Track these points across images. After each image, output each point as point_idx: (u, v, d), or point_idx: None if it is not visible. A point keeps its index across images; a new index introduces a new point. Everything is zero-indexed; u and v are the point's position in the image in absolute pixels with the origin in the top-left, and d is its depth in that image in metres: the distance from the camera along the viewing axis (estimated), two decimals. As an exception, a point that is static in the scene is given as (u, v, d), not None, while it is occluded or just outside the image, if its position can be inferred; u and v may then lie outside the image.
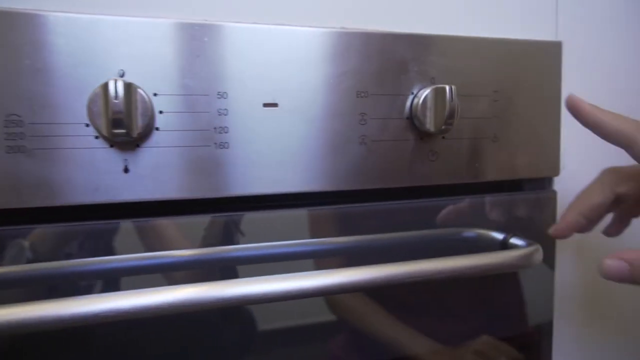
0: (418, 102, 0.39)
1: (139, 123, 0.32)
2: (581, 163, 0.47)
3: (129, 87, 0.31)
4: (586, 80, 0.48)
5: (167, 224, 0.36)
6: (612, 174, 0.39)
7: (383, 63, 0.39)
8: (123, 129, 0.31)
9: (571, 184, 0.45)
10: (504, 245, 0.44)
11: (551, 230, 0.40)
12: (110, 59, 0.33)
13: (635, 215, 0.43)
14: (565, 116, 0.45)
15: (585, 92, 0.42)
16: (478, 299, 0.49)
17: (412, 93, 0.40)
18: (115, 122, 0.31)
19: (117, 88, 0.30)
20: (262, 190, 0.37)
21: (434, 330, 0.46)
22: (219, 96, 0.35)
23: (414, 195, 0.42)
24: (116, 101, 0.30)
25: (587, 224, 0.40)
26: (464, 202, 0.44)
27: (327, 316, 0.43)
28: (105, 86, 0.31)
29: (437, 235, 0.45)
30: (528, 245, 0.41)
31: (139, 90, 0.32)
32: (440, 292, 0.47)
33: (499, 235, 0.45)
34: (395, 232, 0.43)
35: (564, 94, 0.45)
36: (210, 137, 0.35)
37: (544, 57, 0.44)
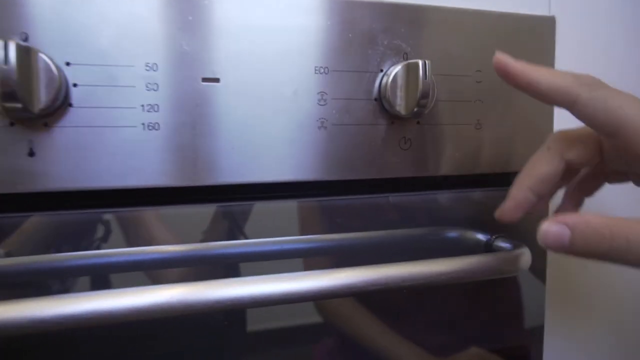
0: (387, 80, 0.34)
1: (41, 97, 0.27)
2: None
3: (26, 52, 0.26)
4: (581, 59, 0.42)
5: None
6: (559, 138, 0.33)
7: (347, 34, 0.34)
8: (17, 102, 0.26)
9: (565, 179, 0.40)
10: (488, 248, 0.39)
11: (497, 214, 0.34)
12: (10, 20, 0.27)
13: (587, 193, 0.36)
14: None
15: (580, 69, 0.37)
16: (463, 307, 0.43)
17: (382, 70, 0.35)
18: (6, 94, 0.25)
19: (7, 52, 0.25)
20: (199, 181, 0.31)
21: (420, 340, 0.41)
22: (147, 68, 0.30)
23: (383, 188, 0.37)
24: (5, 67, 0.25)
25: (537, 201, 0.33)
26: (444, 198, 0.39)
27: (313, 318, 0.37)
28: (-7, 49, 0.25)
29: (415, 236, 0.39)
30: (514, 247, 0.36)
31: (41, 56, 0.27)
32: (423, 299, 0.41)
33: (483, 237, 0.40)
34: (361, 231, 0.37)
35: (558, 75, 0.39)
36: (136, 116, 0.30)
37: (536, 34, 0.39)
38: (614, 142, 0.30)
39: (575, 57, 0.41)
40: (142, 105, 0.30)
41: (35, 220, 0.30)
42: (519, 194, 0.33)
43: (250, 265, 0.35)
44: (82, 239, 0.31)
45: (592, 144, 0.32)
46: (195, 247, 0.34)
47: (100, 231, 0.31)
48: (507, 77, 0.30)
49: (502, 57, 0.30)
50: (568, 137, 0.33)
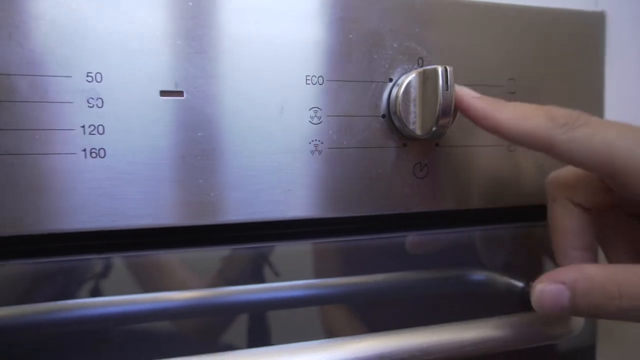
0: (398, 91, 0.27)
1: (-61, 117, 0.20)
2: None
3: None
4: (635, 60, 0.34)
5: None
6: (559, 184, 0.27)
7: (346, 35, 0.27)
8: None
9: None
10: (524, 296, 0.31)
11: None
12: None
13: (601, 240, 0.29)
14: (612, 112, 0.32)
15: (637, 78, 0.29)
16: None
17: (391, 79, 0.28)
18: None
19: None
20: (162, 220, 0.25)
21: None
22: (89, 78, 0.23)
23: (394, 226, 0.30)
24: None
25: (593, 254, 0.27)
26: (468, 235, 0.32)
27: None
28: None
29: (435, 280, 0.32)
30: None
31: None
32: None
33: (517, 283, 0.32)
34: (369, 274, 0.30)
35: (609, 81, 0.32)
36: (75, 140, 0.23)
37: (582, 32, 0.32)
38: (613, 182, 0.23)
39: (628, 59, 0.34)
40: (83, 127, 0.23)
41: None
42: (566, 261, 0.26)
43: (244, 317, 0.28)
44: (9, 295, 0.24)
45: (597, 181, 0.25)
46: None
47: (36, 284, 0.25)
48: (467, 116, 0.25)
49: (462, 94, 0.25)
50: (566, 180, 0.27)
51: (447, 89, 0.25)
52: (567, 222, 0.26)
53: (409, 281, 0.31)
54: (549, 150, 0.23)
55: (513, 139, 0.24)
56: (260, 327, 0.28)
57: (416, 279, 0.32)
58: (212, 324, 0.28)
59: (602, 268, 0.22)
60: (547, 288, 0.22)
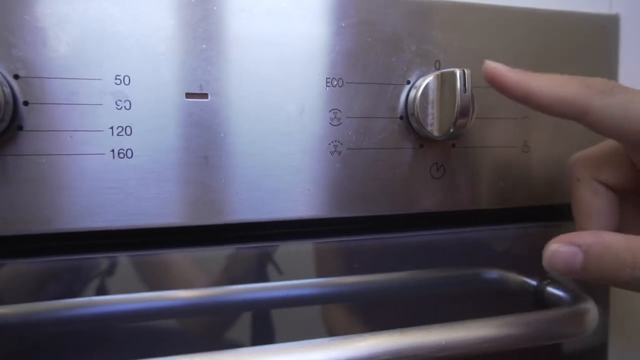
0: (416, 94, 0.27)
1: (-24, 118, 0.21)
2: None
3: (-47, 62, 0.20)
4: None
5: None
6: (584, 164, 0.27)
7: (365, 38, 0.27)
8: (-57, 126, 0.20)
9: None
10: (538, 295, 0.32)
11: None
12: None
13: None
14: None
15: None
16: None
17: (408, 82, 0.28)
18: None
19: None
20: (187, 220, 0.25)
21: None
22: (117, 81, 0.24)
23: (409, 225, 0.30)
24: None
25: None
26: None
27: None
28: None
29: (448, 278, 0.33)
30: (575, 299, 0.29)
31: (-24, 67, 0.21)
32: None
33: (531, 281, 0.33)
34: (386, 272, 0.31)
35: (623, 84, 0.32)
36: (104, 141, 0.24)
37: (596, 35, 0.32)
38: None
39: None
40: (111, 128, 0.24)
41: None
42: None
43: (258, 315, 0.29)
44: (35, 292, 0.25)
45: (624, 158, 0.26)
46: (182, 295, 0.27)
47: (60, 282, 0.25)
48: (501, 88, 0.25)
49: (492, 66, 0.25)
50: (592, 159, 0.27)
51: (465, 91, 0.26)
52: (592, 202, 0.27)
53: (422, 280, 0.32)
54: (584, 116, 0.23)
55: (546, 107, 0.24)
56: (293, 324, 0.29)
57: (430, 277, 0.32)
58: (226, 321, 0.29)
59: (620, 236, 0.22)
60: (561, 249, 0.22)
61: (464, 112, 0.26)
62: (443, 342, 0.24)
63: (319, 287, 0.30)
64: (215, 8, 0.25)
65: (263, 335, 0.29)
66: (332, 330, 0.30)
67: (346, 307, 0.31)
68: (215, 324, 0.29)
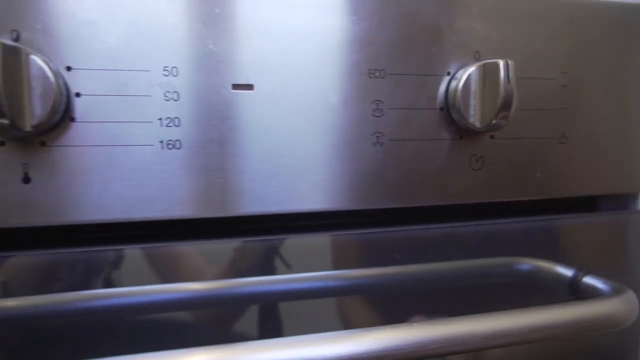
0: (457, 85, 0.28)
1: (34, 110, 0.21)
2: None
3: (13, 53, 0.20)
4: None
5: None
6: None
7: (406, 30, 0.28)
8: (4, 118, 0.20)
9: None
10: (574, 286, 0.32)
11: None
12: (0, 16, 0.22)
13: None
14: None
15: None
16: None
17: (448, 73, 0.28)
18: (-11, 107, 0.20)
19: (-11, 53, 0.19)
20: (228, 210, 0.26)
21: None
22: (165, 72, 0.24)
23: (449, 215, 0.31)
24: (-14, 73, 0.19)
25: None
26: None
27: None
28: (-28, 51, 0.20)
29: (481, 268, 0.33)
30: (615, 291, 0.29)
31: (34, 58, 0.21)
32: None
33: (567, 271, 0.33)
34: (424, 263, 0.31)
35: (662, 76, 0.32)
36: (153, 132, 0.24)
37: (634, 25, 0.32)
38: None
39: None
40: (160, 119, 0.24)
41: (24, 260, 0.24)
42: None
43: (292, 306, 0.29)
44: (82, 282, 0.25)
45: None
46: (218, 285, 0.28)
47: (106, 271, 0.26)
48: None
49: None
50: None
51: (508, 82, 0.26)
52: None
53: (457, 270, 0.32)
54: None
55: None
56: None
57: (464, 267, 0.32)
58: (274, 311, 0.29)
59: None
60: None
61: (507, 103, 0.26)
62: (490, 332, 0.24)
63: (363, 277, 0.30)
64: (260, 1, 0.25)
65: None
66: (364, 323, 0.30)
67: (382, 299, 0.31)
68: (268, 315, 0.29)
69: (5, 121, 0.20)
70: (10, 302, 0.25)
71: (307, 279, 0.29)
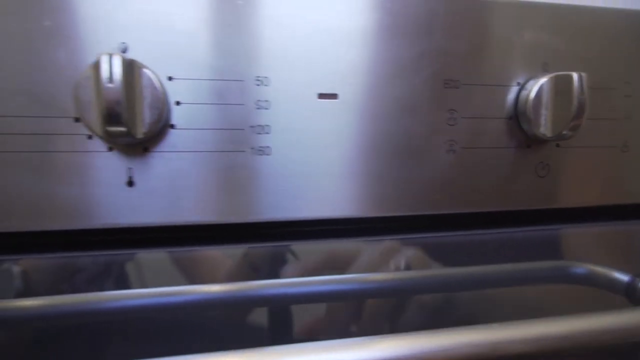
0: (528, 96, 0.29)
1: (145, 118, 0.23)
2: None
3: (130, 67, 0.22)
4: None
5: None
6: None
7: (477, 41, 0.29)
8: (122, 126, 0.22)
9: None
10: (630, 291, 0.33)
11: None
12: (107, 29, 0.24)
13: None
14: None
15: None
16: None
17: (518, 83, 0.29)
18: (111, 116, 0.21)
19: (112, 67, 0.21)
20: (314, 213, 0.27)
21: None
22: (257, 82, 0.26)
23: (514, 221, 0.32)
24: (111, 86, 0.21)
25: None
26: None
27: None
28: (96, 65, 0.21)
29: (534, 271, 0.34)
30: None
31: (146, 71, 0.23)
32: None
33: (622, 276, 0.34)
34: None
35: None
36: (245, 138, 0.26)
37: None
38: None
39: None
40: (252, 127, 0.26)
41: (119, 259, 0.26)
42: None
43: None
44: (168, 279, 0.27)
45: None
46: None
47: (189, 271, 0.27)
48: None
49: None
50: None
51: (582, 93, 0.27)
52: None
53: (513, 272, 0.33)
54: None
55: None
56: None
57: (520, 269, 0.33)
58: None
59: None
60: None
61: (580, 114, 0.27)
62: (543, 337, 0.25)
63: (418, 278, 0.31)
64: (344, 15, 0.26)
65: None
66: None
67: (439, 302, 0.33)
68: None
69: (122, 129, 0.22)
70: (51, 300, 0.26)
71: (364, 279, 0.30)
